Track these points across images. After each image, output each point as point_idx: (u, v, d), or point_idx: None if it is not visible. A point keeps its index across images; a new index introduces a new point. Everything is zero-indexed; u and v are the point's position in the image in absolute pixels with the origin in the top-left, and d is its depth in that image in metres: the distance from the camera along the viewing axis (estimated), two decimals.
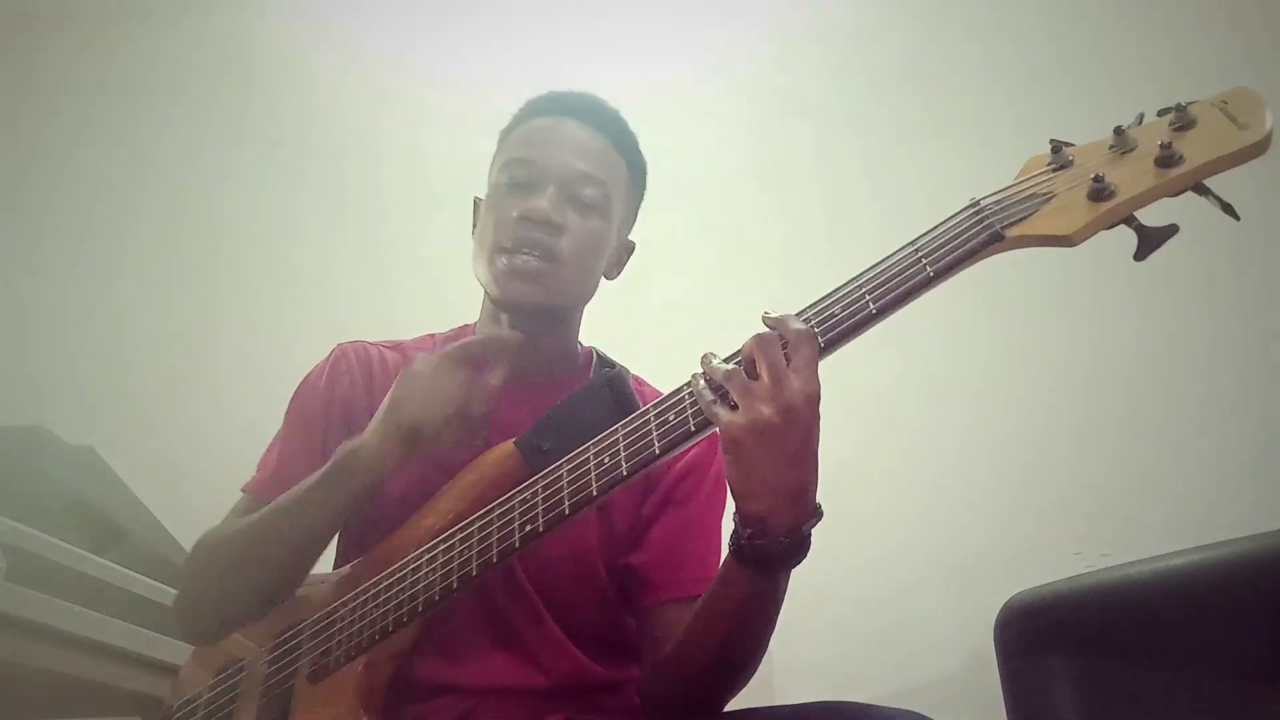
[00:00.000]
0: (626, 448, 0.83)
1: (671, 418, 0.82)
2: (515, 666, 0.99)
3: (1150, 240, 0.74)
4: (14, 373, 2.42)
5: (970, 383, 2.07)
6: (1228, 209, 0.73)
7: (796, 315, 0.79)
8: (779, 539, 0.79)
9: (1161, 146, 0.73)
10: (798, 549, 0.81)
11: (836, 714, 0.88)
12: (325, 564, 1.04)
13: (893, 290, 0.77)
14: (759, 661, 0.92)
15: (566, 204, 1.04)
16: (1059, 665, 1.25)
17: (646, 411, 0.85)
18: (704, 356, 0.81)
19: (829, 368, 0.78)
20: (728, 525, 0.87)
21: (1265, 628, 1.19)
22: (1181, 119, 0.74)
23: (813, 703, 0.90)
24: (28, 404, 2.25)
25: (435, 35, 2.63)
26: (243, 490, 1.09)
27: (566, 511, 0.85)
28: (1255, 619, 1.20)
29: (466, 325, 1.18)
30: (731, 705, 0.96)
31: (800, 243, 2.22)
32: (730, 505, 0.84)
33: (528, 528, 0.86)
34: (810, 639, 1.68)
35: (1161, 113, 0.76)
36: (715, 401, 0.78)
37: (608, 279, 1.14)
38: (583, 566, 1.03)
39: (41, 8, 2.82)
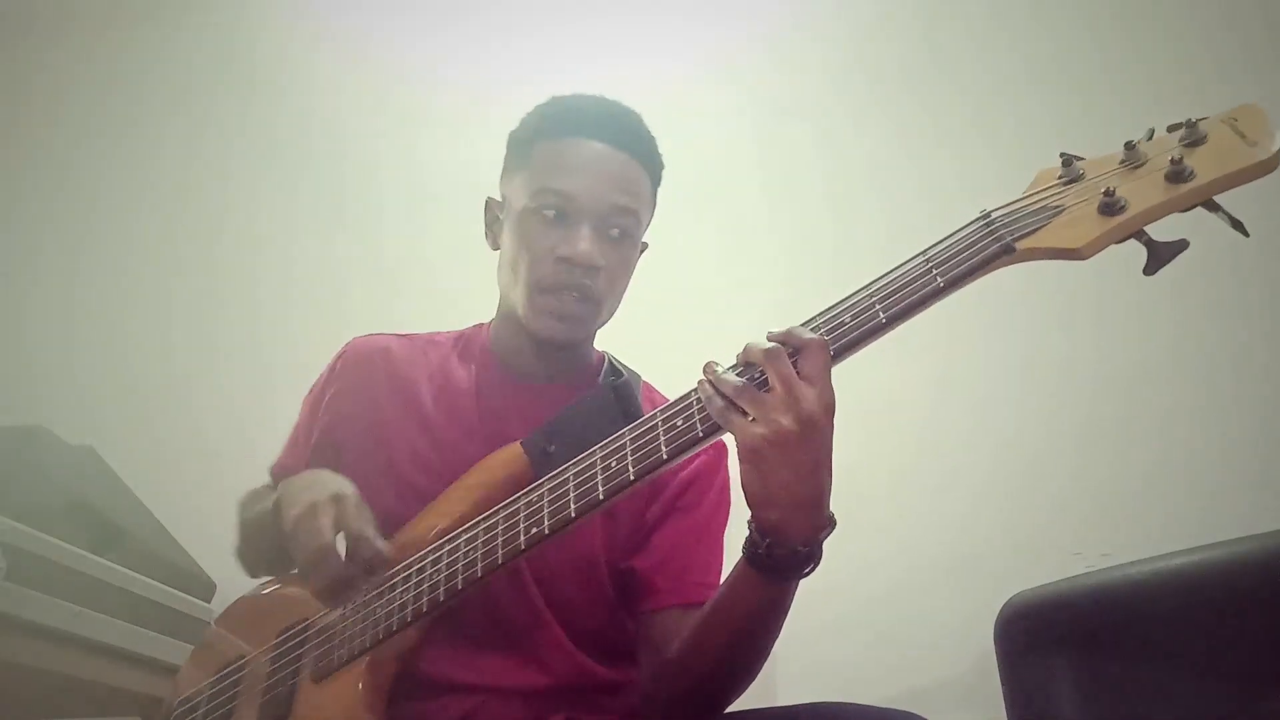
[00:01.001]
0: (634, 452, 0.83)
1: (679, 423, 0.82)
2: (518, 667, 0.99)
3: (1160, 255, 0.74)
4: (14, 373, 2.42)
5: (971, 384, 2.07)
6: (1237, 225, 0.73)
7: (807, 324, 0.79)
8: (796, 548, 0.79)
9: (1172, 162, 0.73)
10: (812, 558, 0.81)
11: (833, 716, 0.88)
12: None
13: (903, 300, 0.77)
14: (762, 666, 0.92)
15: (602, 239, 1.03)
16: (1060, 665, 1.25)
17: (654, 416, 0.84)
18: (707, 365, 0.80)
19: (831, 370, 0.77)
20: (731, 533, 0.87)
21: (1265, 627, 1.19)
22: (1192, 135, 0.74)
23: (812, 704, 0.90)
24: (28, 404, 2.25)
25: (435, 36, 2.63)
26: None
27: (573, 515, 0.84)
28: (1255, 619, 1.20)
29: (481, 324, 1.18)
30: (731, 706, 0.95)
31: (801, 243, 2.23)
32: (736, 514, 0.83)
33: (534, 530, 0.86)
34: (812, 639, 1.68)
35: (1171, 128, 0.76)
36: (729, 408, 0.77)
37: None
38: (586, 569, 1.03)
39: (42, 9, 2.82)
